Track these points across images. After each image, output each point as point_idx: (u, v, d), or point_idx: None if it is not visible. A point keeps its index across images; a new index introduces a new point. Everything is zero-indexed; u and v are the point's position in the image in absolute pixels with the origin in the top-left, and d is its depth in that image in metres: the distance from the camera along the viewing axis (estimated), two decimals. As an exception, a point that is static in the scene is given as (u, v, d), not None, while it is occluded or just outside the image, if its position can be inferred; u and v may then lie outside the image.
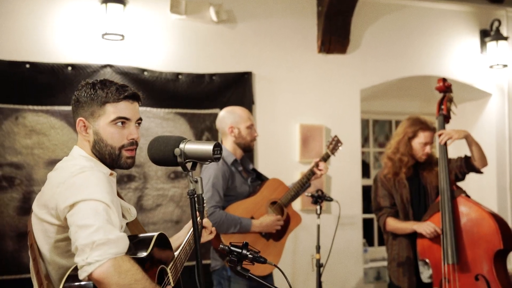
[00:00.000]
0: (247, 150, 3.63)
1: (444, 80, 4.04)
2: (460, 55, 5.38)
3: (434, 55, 5.29)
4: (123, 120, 1.95)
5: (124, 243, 1.72)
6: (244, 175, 3.62)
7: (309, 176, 3.67)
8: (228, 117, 3.59)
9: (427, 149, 3.95)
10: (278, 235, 3.57)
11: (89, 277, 1.66)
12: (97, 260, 1.64)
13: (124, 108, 1.95)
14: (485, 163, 3.90)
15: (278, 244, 3.58)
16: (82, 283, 1.69)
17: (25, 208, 3.88)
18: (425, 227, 3.73)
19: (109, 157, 1.95)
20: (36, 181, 3.92)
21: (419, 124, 3.98)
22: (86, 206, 1.72)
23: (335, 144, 3.82)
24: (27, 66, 3.98)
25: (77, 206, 1.72)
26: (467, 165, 3.91)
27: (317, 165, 3.67)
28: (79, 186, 1.76)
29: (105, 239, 1.66)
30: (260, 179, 3.74)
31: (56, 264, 1.85)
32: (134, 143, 1.98)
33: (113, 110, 1.93)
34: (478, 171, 3.93)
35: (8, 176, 3.90)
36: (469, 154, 3.91)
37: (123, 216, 2.02)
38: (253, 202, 3.53)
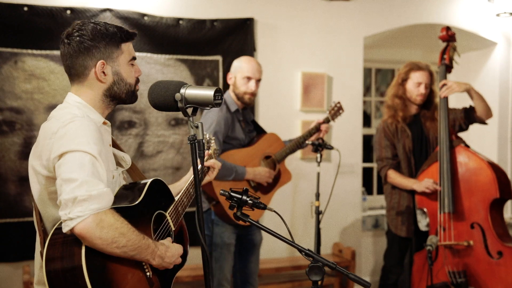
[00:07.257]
0: (242, 101, 3.56)
1: (447, 29, 3.99)
2: (467, 3, 5.27)
3: (440, 2, 5.18)
4: (134, 58, 2.01)
5: (107, 198, 1.71)
6: (243, 125, 3.62)
7: (307, 136, 3.69)
8: (233, 66, 3.60)
9: (421, 89, 3.91)
10: (266, 189, 3.62)
11: (71, 232, 1.67)
12: (79, 215, 1.65)
13: (132, 47, 2.00)
14: (489, 115, 3.89)
15: (265, 197, 3.62)
16: (67, 235, 1.71)
17: (26, 153, 3.89)
18: (425, 185, 3.76)
19: (126, 95, 1.98)
20: (37, 126, 3.92)
21: (410, 65, 3.97)
22: (72, 158, 1.71)
23: (336, 110, 3.84)
24: (25, 9, 3.90)
25: (64, 157, 1.72)
26: (470, 117, 3.90)
27: (319, 126, 3.69)
28: (69, 136, 1.74)
29: (86, 195, 1.66)
30: (257, 131, 3.74)
31: (50, 216, 1.86)
32: (138, 79, 2.05)
33: (127, 49, 1.96)
34: (482, 122, 3.93)
35: (8, 120, 3.90)
36: (473, 104, 3.90)
37: (119, 164, 2.02)
38: (247, 153, 3.55)
